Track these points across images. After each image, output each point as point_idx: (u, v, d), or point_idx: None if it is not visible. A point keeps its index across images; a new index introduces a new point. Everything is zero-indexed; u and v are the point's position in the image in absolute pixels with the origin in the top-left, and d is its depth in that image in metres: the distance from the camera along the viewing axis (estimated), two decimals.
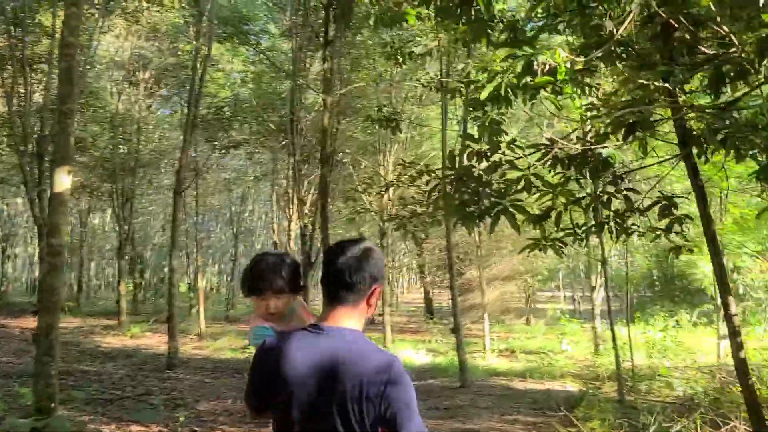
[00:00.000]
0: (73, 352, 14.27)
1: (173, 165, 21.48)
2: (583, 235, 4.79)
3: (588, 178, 4.15)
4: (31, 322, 15.51)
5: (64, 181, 5.80)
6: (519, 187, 4.09)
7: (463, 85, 6.14)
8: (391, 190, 12.17)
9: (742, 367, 3.81)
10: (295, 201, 16.26)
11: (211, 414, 7.68)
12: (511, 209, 4.22)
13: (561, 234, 4.68)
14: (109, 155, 21.05)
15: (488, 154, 4.13)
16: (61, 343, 15.41)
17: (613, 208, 4.37)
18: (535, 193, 4.29)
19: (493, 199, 4.25)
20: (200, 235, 32.56)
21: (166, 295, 14.06)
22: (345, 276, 1.78)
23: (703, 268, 14.24)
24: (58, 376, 9.83)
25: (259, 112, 19.83)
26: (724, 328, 13.85)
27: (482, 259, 17.40)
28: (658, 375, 9.84)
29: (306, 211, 14.39)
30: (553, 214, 4.51)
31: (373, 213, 15.70)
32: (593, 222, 4.39)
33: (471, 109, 5.44)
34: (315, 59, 13.72)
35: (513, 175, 4.21)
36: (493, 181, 4.35)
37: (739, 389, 8.85)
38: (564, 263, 33.12)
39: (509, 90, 3.78)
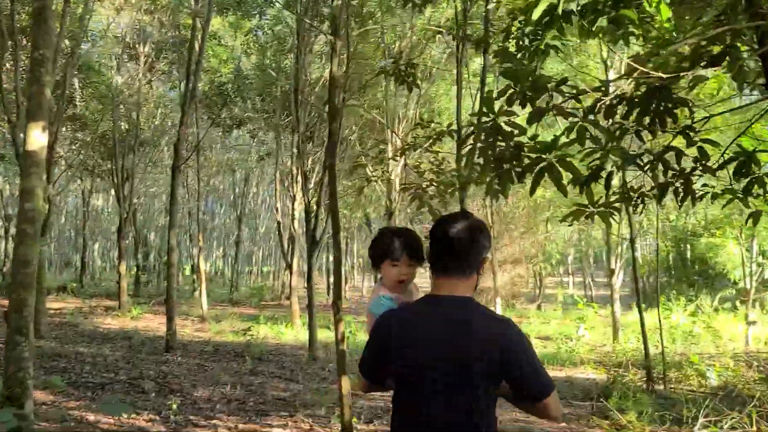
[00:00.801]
0: (71, 334, 13.75)
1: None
2: (639, 200, 4.10)
3: (653, 127, 3.43)
4: None
5: (38, 138, 5.12)
6: (571, 137, 3.38)
7: (486, 32, 5.40)
8: (402, 160, 11.43)
9: None
10: (299, 179, 15.58)
11: (207, 401, 7.04)
12: (558, 166, 3.51)
13: (612, 198, 3.99)
14: (108, 132, 20.39)
15: (532, 96, 3.41)
16: (59, 323, 15.10)
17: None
18: (587, 148, 3.58)
19: (535, 154, 3.54)
20: (203, 217, 31.96)
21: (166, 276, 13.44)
22: (458, 248, 1.84)
23: (731, 250, 13.51)
24: (43, 360, 9.33)
25: (263, 87, 19.11)
26: (752, 314, 13.20)
27: (493, 241, 16.67)
28: (689, 363, 9.15)
29: (310, 189, 13.68)
30: (604, 174, 3.81)
31: (381, 187, 14.99)
32: (654, 184, 3.71)
33: (498, 61, 4.71)
34: (320, 29, 12.98)
35: (563, 126, 3.50)
36: (530, 142, 3.63)
37: None
38: (576, 247, 32.51)
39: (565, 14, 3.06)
